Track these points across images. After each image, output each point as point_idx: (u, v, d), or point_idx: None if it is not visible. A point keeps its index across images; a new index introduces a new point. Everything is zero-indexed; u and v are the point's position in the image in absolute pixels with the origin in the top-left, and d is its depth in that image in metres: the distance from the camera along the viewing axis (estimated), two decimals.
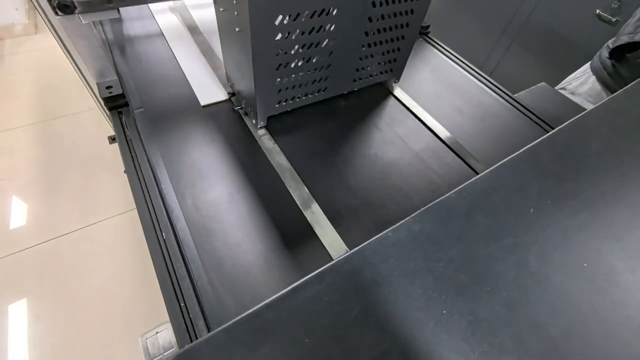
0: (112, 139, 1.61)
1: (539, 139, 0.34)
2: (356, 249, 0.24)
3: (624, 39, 0.75)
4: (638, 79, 0.45)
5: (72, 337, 1.07)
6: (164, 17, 0.83)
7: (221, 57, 0.69)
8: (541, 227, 0.28)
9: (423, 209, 0.27)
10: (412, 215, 0.26)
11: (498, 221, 0.28)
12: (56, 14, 0.49)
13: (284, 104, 0.60)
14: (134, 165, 0.53)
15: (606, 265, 0.26)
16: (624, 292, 0.24)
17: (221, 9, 0.52)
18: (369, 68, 0.66)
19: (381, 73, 0.69)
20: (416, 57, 0.84)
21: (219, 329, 0.20)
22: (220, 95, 0.66)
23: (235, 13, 0.46)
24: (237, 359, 0.19)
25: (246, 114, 0.63)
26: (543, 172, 0.32)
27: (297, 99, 0.61)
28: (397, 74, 0.72)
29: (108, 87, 0.59)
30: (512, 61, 1.46)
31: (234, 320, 0.20)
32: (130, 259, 1.25)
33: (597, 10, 1.15)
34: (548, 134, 0.35)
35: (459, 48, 0.92)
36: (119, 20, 0.80)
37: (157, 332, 1.14)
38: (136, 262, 1.25)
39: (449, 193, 0.28)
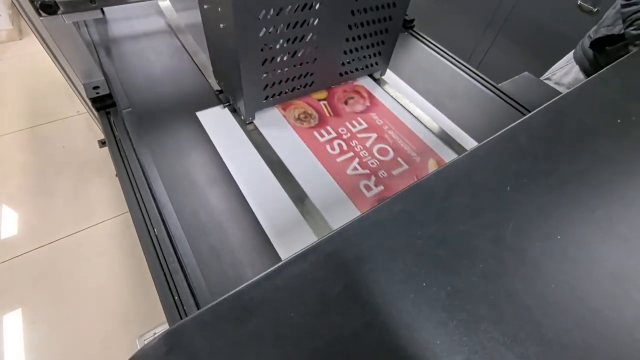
0: (102, 143, 1.59)
1: (515, 122, 0.36)
2: (338, 228, 0.25)
3: (602, 31, 0.76)
4: (612, 64, 0.46)
5: (70, 341, 1.06)
6: (150, 19, 0.83)
7: (206, 55, 0.69)
8: (517, 203, 0.29)
9: (403, 189, 0.28)
10: (392, 196, 0.27)
11: (476, 200, 0.29)
12: (39, 14, 0.49)
13: (271, 99, 0.61)
14: (124, 165, 0.53)
15: (578, 236, 0.27)
16: (593, 261, 0.26)
17: (205, 6, 0.52)
18: (354, 61, 0.67)
19: (367, 67, 0.70)
20: (402, 51, 0.85)
21: (207, 306, 0.20)
22: (209, 92, 0.67)
23: (219, 9, 0.47)
24: (225, 334, 0.19)
25: (234, 110, 0.63)
26: (519, 152, 0.33)
27: (284, 94, 0.62)
28: (382, 67, 0.73)
29: (95, 88, 0.59)
30: (499, 53, 1.49)
31: (221, 298, 0.21)
32: (125, 261, 1.25)
33: (579, 1, 1.17)
34: (524, 117, 0.36)
35: (446, 41, 0.93)
36: (104, 21, 0.80)
37: (154, 333, 1.14)
38: (131, 264, 1.24)
39: (428, 174, 0.29)
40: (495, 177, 0.31)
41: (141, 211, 0.47)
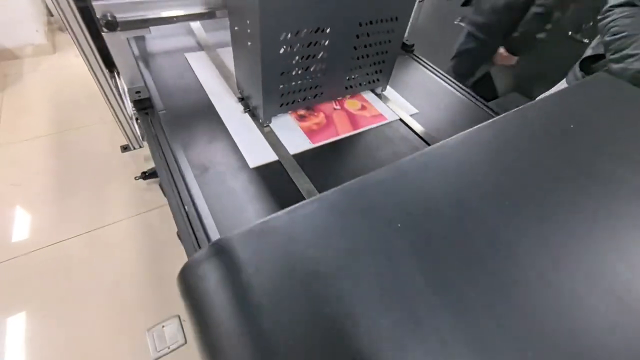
0: (124, 148, 1.72)
1: (480, 125, 0.45)
2: (342, 185, 0.33)
3: (588, 52, 0.86)
4: (577, 82, 0.56)
5: (81, 332, 1.12)
6: (182, 37, 0.96)
7: (231, 69, 0.80)
8: (475, 184, 0.37)
9: (388, 165, 0.37)
10: (377, 169, 0.36)
11: (444, 182, 0.37)
12: (102, 31, 0.60)
13: (285, 106, 0.71)
14: (159, 154, 0.63)
15: (526, 210, 0.35)
16: (525, 219, 0.34)
17: (236, 28, 0.63)
18: (358, 77, 0.77)
19: (369, 82, 0.81)
20: (402, 71, 0.96)
21: (242, 230, 0.29)
22: (231, 100, 0.77)
23: (248, 31, 0.58)
24: (252, 245, 0.28)
25: (253, 115, 0.73)
26: (481, 149, 0.42)
27: (297, 102, 0.72)
28: (383, 84, 0.83)
29: (137, 92, 0.70)
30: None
31: (252, 224, 0.29)
32: (137, 259, 1.32)
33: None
34: (489, 121, 0.45)
35: (446, 64, 1.05)
36: (143, 39, 0.92)
37: (163, 326, 1.20)
38: (142, 263, 1.32)
39: (407, 157, 0.38)
40: (455, 166, 0.40)
41: (173, 190, 0.56)
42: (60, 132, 1.76)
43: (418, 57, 1.03)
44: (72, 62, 2.28)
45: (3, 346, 1.07)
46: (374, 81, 0.81)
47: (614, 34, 0.66)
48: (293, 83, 0.67)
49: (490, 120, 0.45)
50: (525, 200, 0.35)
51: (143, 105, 0.70)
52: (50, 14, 2.46)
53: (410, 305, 0.25)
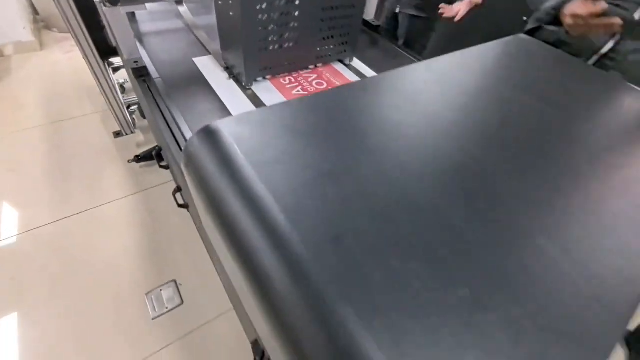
0: (116, 134, 1.81)
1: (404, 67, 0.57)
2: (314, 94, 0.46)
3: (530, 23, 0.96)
4: (497, 41, 0.69)
5: (83, 301, 1.21)
6: (172, 20, 1.06)
7: (217, 46, 0.92)
8: (379, 120, 0.50)
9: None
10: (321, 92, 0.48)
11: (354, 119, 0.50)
12: (105, 5, 0.71)
13: (264, 71, 0.83)
14: (156, 111, 0.74)
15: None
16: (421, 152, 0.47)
17: (219, 2, 0.75)
18: (327, 48, 0.90)
19: (337, 53, 0.94)
20: (369, 46, 1.10)
21: (234, 116, 0.41)
22: (218, 69, 0.89)
23: (230, 2, 0.70)
24: (244, 127, 0.40)
25: (237, 80, 0.85)
26: (404, 85, 0.55)
27: (274, 68, 0.84)
28: (350, 55, 0.96)
29: (135, 62, 0.81)
30: None
31: (243, 113, 0.41)
32: (133, 233, 1.41)
33: None
34: (407, 66, 0.58)
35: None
36: (136, 21, 1.03)
37: (160, 290, 1.30)
38: (139, 236, 1.41)
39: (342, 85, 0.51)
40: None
41: (167, 136, 0.67)
42: (53, 123, 1.84)
43: (383, 36, 1.17)
44: (60, 59, 2.34)
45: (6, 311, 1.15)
46: (341, 52, 0.94)
47: None
48: (271, 48, 0.79)
49: (410, 66, 0.59)
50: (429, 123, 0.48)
51: (140, 72, 0.81)
52: (36, 12, 2.52)
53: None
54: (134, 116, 1.78)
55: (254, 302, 0.31)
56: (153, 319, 1.18)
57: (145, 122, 1.84)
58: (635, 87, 0.60)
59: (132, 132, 1.75)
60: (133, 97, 1.80)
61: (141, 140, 1.77)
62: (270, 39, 0.77)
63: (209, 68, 0.89)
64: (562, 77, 0.62)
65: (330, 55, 0.93)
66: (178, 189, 0.99)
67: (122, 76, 1.91)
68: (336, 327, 0.25)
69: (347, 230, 0.31)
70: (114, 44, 0.90)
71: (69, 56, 2.35)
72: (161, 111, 0.75)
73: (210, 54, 0.94)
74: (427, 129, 0.45)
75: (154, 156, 1.52)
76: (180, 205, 1.07)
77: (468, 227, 0.33)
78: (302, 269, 0.28)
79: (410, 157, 0.40)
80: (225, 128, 0.39)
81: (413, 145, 0.42)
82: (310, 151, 0.38)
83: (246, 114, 0.41)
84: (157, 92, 0.79)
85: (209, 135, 0.38)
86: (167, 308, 1.22)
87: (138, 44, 0.93)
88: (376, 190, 0.35)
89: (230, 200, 0.35)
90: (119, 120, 1.68)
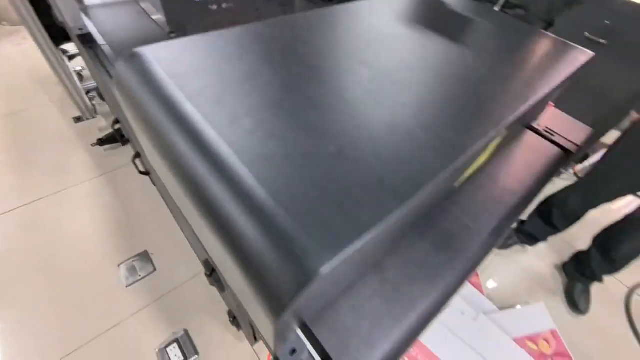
0: (77, 119, 1.82)
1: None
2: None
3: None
4: None
5: (60, 274, 1.24)
6: None
7: (162, 15, 0.96)
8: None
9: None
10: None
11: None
12: None
13: None
14: (105, 76, 0.79)
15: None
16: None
17: None
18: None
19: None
20: None
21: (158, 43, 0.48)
22: (164, 36, 0.94)
23: None
24: (167, 50, 0.47)
25: None
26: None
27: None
28: None
29: (80, 29, 0.85)
30: None
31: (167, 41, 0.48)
32: (103, 210, 1.44)
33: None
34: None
35: None
36: None
37: (133, 261, 1.35)
38: (110, 212, 1.44)
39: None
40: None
41: None
42: (12, 114, 1.81)
43: None
44: (11, 51, 2.27)
45: None
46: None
47: None
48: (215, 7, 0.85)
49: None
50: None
51: (86, 39, 0.85)
52: None
53: None
54: (94, 102, 1.78)
55: (196, 213, 0.37)
56: (127, 287, 1.24)
57: (106, 108, 1.85)
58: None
59: (93, 117, 1.76)
60: (92, 82, 1.79)
61: (103, 125, 1.78)
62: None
63: (156, 38, 0.94)
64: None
65: None
66: (137, 155, 1.04)
67: (79, 64, 1.90)
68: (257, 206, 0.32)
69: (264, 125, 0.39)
70: (60, 19, 0.92)
71: (21, 48, 2.29)
72: (110, 75, 0.80)
73: (157, 24, 0.99)
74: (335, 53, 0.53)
75: (116, 137, 1.55)
76: (141, 172, 1.12)
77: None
78: (232, 171, 0.35)
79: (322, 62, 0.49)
80: (149, 51, 0.46)
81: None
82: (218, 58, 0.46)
83: (169, 42, 0.48)
84: (105, 56, 0.83)
85: (133, 58, 0.45)
86: (140, 276, 1.28)
87: (84, 17, 0.96)
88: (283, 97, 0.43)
89: (158, 117, 0.42)
90: (79, 105, 1.68)
